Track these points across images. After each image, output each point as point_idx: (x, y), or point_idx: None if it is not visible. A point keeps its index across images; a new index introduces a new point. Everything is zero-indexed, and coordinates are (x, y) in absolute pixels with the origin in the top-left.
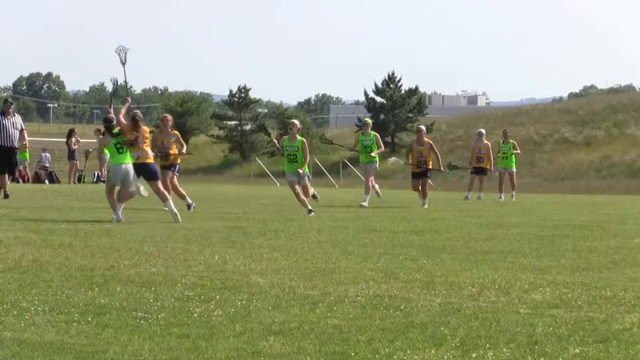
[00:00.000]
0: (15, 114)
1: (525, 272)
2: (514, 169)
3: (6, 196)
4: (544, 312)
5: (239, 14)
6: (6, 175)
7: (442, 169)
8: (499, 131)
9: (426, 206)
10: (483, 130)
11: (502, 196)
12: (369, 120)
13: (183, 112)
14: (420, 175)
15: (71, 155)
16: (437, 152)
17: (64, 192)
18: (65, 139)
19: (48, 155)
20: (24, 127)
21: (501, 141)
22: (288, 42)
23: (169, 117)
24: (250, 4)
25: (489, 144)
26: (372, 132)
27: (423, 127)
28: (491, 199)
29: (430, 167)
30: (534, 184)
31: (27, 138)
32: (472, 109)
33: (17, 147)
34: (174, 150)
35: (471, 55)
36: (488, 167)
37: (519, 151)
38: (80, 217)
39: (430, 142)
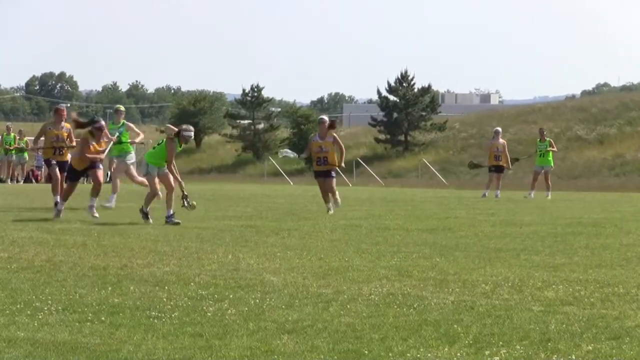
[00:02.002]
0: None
1: (538, 269)
2: (551, 167)
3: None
4: (557, 310)
5: (251, 12)
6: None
7: (342, 165)
8: (512, 129)
9: (334, 210)
10: (499, 129)
11: (532, 194)
12: (122, 107)
13: (196, 111)
14: (322, 174)
15: None
16: (342, 146)
17: (76, 191)
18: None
19: None
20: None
21: (538, 139)
22: (301, 41)
23: (63, 108)
24: (263, 3)
25: (505, 142)
26: (124, 120)
27: (325, 118)
28: (505, 196)
29: (332, 165)
30: None
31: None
32: (485, 107)
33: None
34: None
35: (484, 54)
36: (505, 166)
37: (555, 149)
38: (93, 217)
39: (335, 135)
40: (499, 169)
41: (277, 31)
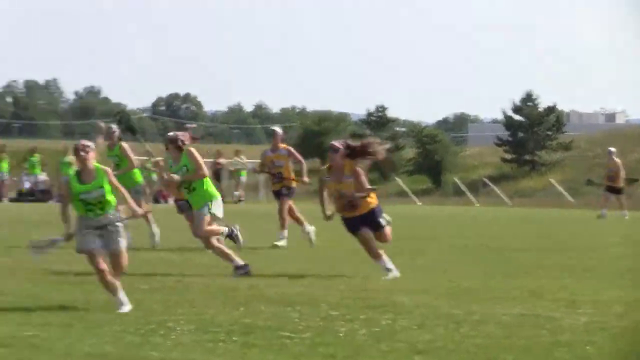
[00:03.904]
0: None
1: None
2: None
3: None
4: None
5: (376, 33)
6: None
7: (305, 180)
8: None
9: (282, 242)
10: (613, 149)
11: None
12: None
13: (320, 131)
14: (276, 193)
15: (215, 175)
16: (300, 158)
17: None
18: (211, 160)
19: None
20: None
21: None
22: (425, 62)
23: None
24: (389, 22)
25: (619, 162)
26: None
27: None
28: (633, 216)
29: (289, 180)
30: None
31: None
32: (610, 127)
33: None
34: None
35: (609, 72)
36: (618, 186)
37: None
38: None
39: (289, 148)
40: (614, 190)
41: (401, 51)
